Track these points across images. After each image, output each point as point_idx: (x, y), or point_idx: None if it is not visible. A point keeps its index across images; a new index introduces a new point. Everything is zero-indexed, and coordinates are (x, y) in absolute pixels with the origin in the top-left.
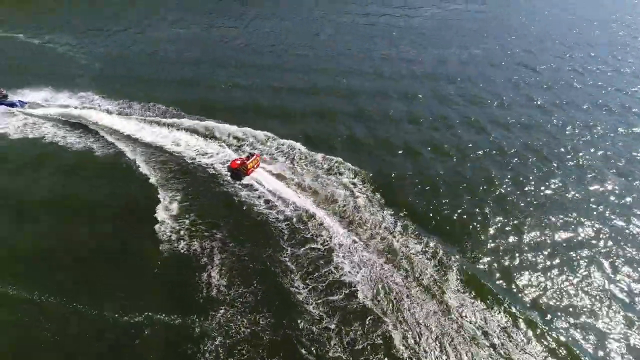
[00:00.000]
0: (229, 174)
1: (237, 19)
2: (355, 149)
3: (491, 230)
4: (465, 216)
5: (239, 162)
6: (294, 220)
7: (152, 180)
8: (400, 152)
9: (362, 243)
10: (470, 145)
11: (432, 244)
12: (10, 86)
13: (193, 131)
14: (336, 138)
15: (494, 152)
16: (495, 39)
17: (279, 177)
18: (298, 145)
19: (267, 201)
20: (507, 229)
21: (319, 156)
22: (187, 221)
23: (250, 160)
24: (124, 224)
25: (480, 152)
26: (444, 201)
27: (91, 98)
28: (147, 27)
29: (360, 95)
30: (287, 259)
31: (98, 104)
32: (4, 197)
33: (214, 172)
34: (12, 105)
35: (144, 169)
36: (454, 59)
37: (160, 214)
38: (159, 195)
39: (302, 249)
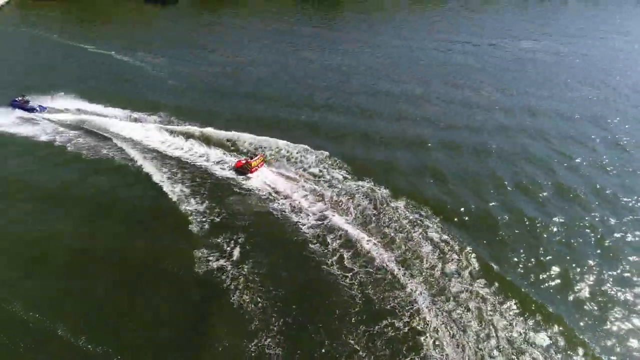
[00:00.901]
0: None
1: (334, 46)
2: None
3: None
4: None
5: (243, 161)
6: (370, 288)
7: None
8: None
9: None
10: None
11: None
12: (70, 93)
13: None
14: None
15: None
16: (604, 83)
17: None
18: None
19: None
20: None
21: (401, 203)
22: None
23: (254, 159)
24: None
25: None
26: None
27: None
28: (238, 51)
29: (427, 145)
30: (357, 344)
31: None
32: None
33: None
34: (32, 110)
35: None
36: (544, 107)
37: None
38: (218, 241)
39: (377, 327)
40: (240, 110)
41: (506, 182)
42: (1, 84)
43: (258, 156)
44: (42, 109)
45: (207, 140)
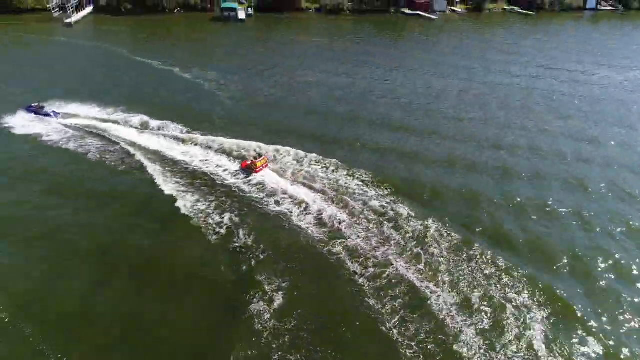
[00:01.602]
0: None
1: (396, 66)
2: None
3: None
4: None
5: (249, 162)
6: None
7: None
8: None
9: None
10: None
11: None
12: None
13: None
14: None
15: None
16: None
17: None
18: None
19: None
20: None
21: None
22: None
23: (259, 160)
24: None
25: None
26: None
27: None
28: (298, 71)
29: (513, 177)
30: None
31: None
32: None
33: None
34: (46, 115)
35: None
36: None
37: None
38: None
39: None
40: (301, 129)
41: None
42: (63, 93)
43: (263, 157)
44: (56, 114)
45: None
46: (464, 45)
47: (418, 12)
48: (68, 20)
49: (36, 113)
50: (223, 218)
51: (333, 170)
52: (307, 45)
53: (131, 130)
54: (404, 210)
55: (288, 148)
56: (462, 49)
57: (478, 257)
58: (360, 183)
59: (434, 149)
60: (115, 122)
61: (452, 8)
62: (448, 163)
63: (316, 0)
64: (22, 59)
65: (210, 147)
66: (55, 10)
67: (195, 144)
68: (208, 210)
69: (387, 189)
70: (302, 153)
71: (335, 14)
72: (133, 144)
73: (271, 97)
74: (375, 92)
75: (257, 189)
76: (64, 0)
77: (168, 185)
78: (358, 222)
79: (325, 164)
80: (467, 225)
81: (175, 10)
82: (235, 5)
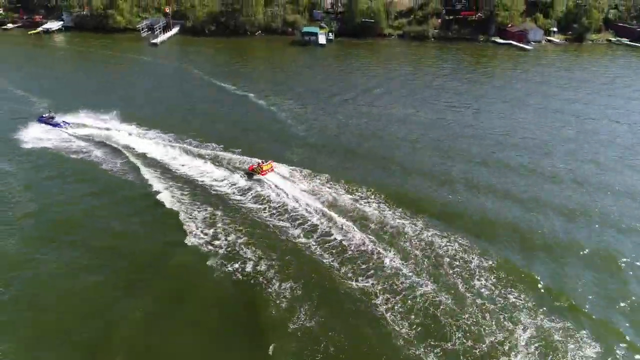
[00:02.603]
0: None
1: (479, 104)
2: None
3: None
4: None
5: (255, 165)
6: None
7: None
8: None
9: None
10: None
11: None
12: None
13: None
14: None
15: None
16: None
17: None
18: None
19: None
20: None
21: None
22: None
23: (265, 164)
24: None
25: None
26: None
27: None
28: (375, 102)
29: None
30: None
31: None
32: None
33: None
34: (56, 125)
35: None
36: None
37: None
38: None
39: None
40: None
41: None
42: (131, 109)
43: (269, 162)
44: (66, 124)
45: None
46: (566, 81)
47: (510, 42)
48: (154, 41)
49: (47, 123)
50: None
51: (422, 230)
52: (388, 73)
53: (194, 161)
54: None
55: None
56: (568, 87)
57: None
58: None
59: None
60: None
61: (549, 38)
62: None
63: (399, 26)
64: (105, 74)
65: (269, 189)
66: (144, 30)
67: (261, 184)
68: None
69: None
70: (388, 214)
71: (419, 41)
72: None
73: (348, 132)
74: (465, 132)
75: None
76: (153, 22)
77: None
78: None
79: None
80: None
81: (257, 33)
82: (316, 29)
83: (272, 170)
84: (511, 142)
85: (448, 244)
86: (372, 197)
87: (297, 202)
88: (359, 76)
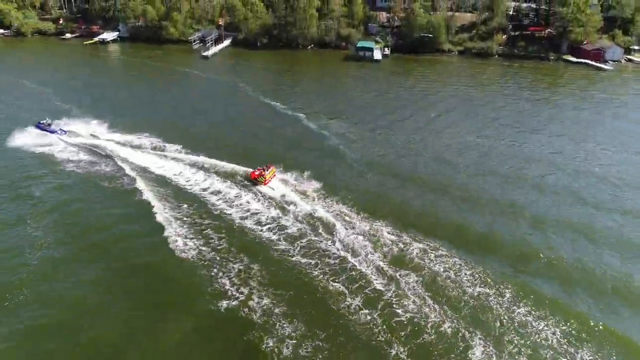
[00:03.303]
0: None
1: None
2: None
3: None
4: None
5: (257, 173)
6: None
7: None
8: None
9: None
10: None
11: None
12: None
13: None
14: None
15: None
16: None
17: None
18: None
19: None
20: None
21: None
22: None
23: (268, 171)
24: None
25: None
26: None
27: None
28: (435, 129)
29: None
30: None
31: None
32: None
33: None
34: (53, 132)
35: None
36: None
37: None
38: None
39: None
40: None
41: None
42: (170, 135)
43: (271, 168)
44: (63, 132)
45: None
46: None
47: (585, 61)
48: (205, 53)
49: (44, 130)
50: None
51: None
52: (447, 93)
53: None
54: None
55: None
56: None
57: None
58: None
59: None
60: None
61: (630, 57)
62: None
63: (460, 41)
64: (150, 87)
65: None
66: (196, 42)
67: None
68: None
69: None
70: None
71: (482, 58)
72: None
73: (403, 160)
74: (535, 158)
75: None
76: (205, 34)
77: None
78: None
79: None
80: None
81: (309, 47)
82: (371, 44)
83: (275, 176)
84: (592, 171)
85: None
86: (443, 249)
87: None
88: (417, 95)
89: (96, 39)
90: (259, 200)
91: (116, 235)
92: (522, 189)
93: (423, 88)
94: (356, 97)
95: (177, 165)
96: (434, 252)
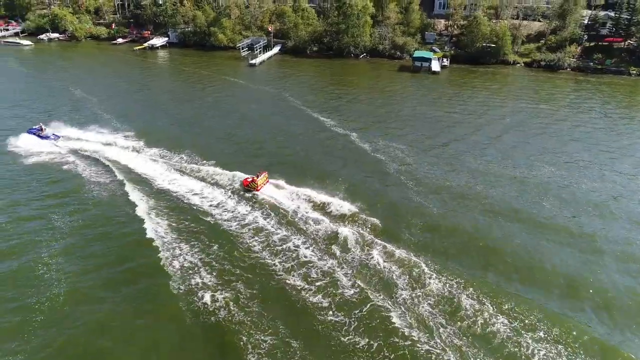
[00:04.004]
0: None
1: None
2: None
3: None
4: None
5: (249, 179)
6: None
7: None
8: None
9: None
10: None
11: None
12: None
13: None
14: None
15: None
16: None
17: None
18: None
19: None
20: None
21: None
22: None
23: (260, 177)
24: None
25: None
26: None
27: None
28: (508, 153)
29: None
30: None
31: None
32: None
33: None
34: (46, 137)
35: None
36: None
37: None
38: None
39: None
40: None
41: None
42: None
43: (263, 174)
44: (56, 137)
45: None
46: None
47: None
48: (253, 61)
49: (37, 135)
50: None
51: None
52: (513, 108)
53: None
54: None
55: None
56: None
57: None
58: None
59: None
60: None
61: None
62: None
63: (526, 52)
64: (193, 97)
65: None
66: (244, 49)
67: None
68: None
69: None
70: None
71: (551, 71)
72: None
73: (477, 189)
74: (621, 196)
75: None
76: (254, 41)
77: None
78: None
79: None
80: None
81: (361, 56)
82: (429, 54)
83: (267, 182)
84: None
85: None
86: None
87: None
88: (479, 111)
89: (145, 44)
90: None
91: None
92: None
93: (487, 103)
94: (414, 113)
95: (213, 191)
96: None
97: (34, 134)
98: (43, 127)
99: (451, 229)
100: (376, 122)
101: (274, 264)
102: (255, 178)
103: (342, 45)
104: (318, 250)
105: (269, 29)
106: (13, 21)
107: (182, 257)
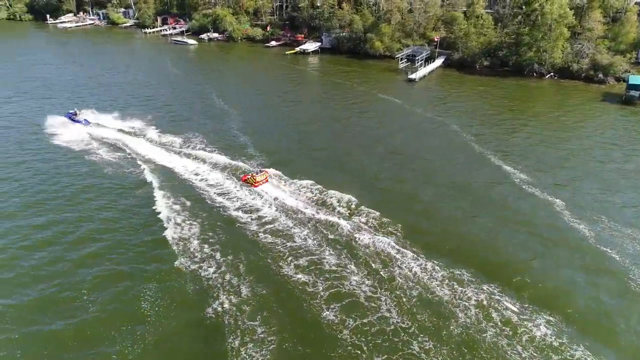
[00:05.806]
0: None
1: None
2: None
3: None
4: None
5: (248, 176)
6: None
7: None
8: None
9: None
10: None
11: None
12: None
13: None
14: None
15: None
16: None
17: None
18: None
19: None
20: None
21: None
22: None
23: (259, 175)
24: None
25: None
26: None
27: None
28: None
29: None
30: None
31: None
32: None
33: None
34: (78, 122)
35: None
36: None
37: None
38: None
39: None
40: None
41: None
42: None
43: (263, 172)
44: (87, 122)
45: None
46: None
47: None
48: (412, 76)
49: (71, 119)
50: None
51: None
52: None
53: None
54: None
55: None
56: None
57: None
58: None
59: None
60: None
61: None
62: None
63: None
64: (339, 118)
65: None
66: (403, 60)
67: None
68: None
69: None
70: None
71: None
72: None
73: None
74: None
75: None
76: (415, 51)
77: None
78: None
79: None
80: None
81: (547, 76)
82: None
83: (267, 180)
84: None
85: None
86: None
87: None
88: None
89: (297, 49)
90: None
91: None
92: None
93: None
94: (637, 169)
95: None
96: None
97: (69, 117)
98: (77, 112)
99: None
100: (584, 176)
101: None
102: (255, 175)
103: (522, 61)
104: None
105: (434, 38)
106: (182, 20)
107: None
